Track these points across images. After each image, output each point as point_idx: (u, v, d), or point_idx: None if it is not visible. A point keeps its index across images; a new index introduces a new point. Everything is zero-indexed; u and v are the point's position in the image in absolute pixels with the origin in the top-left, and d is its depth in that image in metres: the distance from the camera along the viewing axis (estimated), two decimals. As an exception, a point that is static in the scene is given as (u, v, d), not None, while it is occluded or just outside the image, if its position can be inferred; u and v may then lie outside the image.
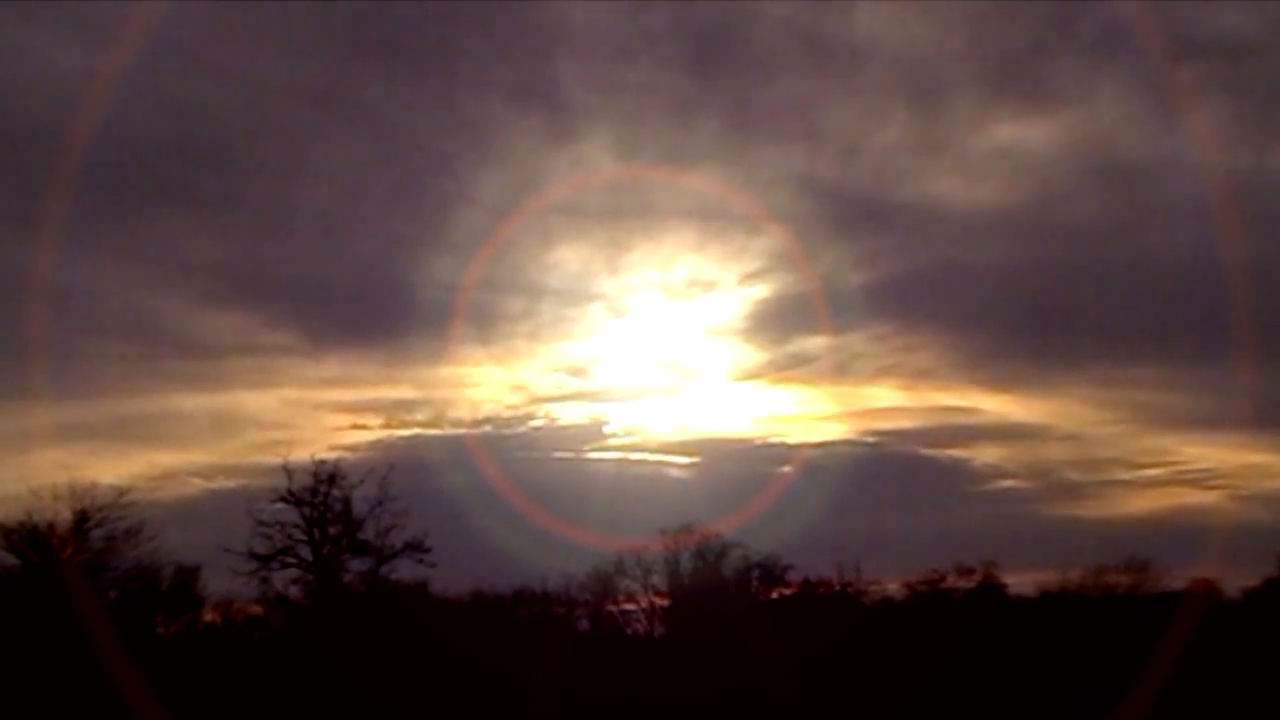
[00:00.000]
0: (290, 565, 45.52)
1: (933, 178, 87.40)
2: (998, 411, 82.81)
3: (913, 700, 44.03)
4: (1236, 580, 53.87)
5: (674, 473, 75.57)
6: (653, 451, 78.62)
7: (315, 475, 45.87)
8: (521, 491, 56.47)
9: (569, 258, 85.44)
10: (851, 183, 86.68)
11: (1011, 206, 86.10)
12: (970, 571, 53.80)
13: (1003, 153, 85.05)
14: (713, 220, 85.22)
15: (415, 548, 45.97)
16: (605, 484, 72.17)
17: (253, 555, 44.52)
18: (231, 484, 63.63)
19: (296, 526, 45.70)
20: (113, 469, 63.69)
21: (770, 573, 55.21)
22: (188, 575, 47.68)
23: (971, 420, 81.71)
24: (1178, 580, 51.05)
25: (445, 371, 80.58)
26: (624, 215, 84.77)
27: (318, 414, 77.57)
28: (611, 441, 79.88)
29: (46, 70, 69.84)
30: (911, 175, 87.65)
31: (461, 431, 76.02)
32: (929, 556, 54.87)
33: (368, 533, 45.87)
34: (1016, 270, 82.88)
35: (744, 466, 75.36)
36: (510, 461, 70.16)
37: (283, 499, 45.60)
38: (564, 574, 53.12)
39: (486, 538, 52.46)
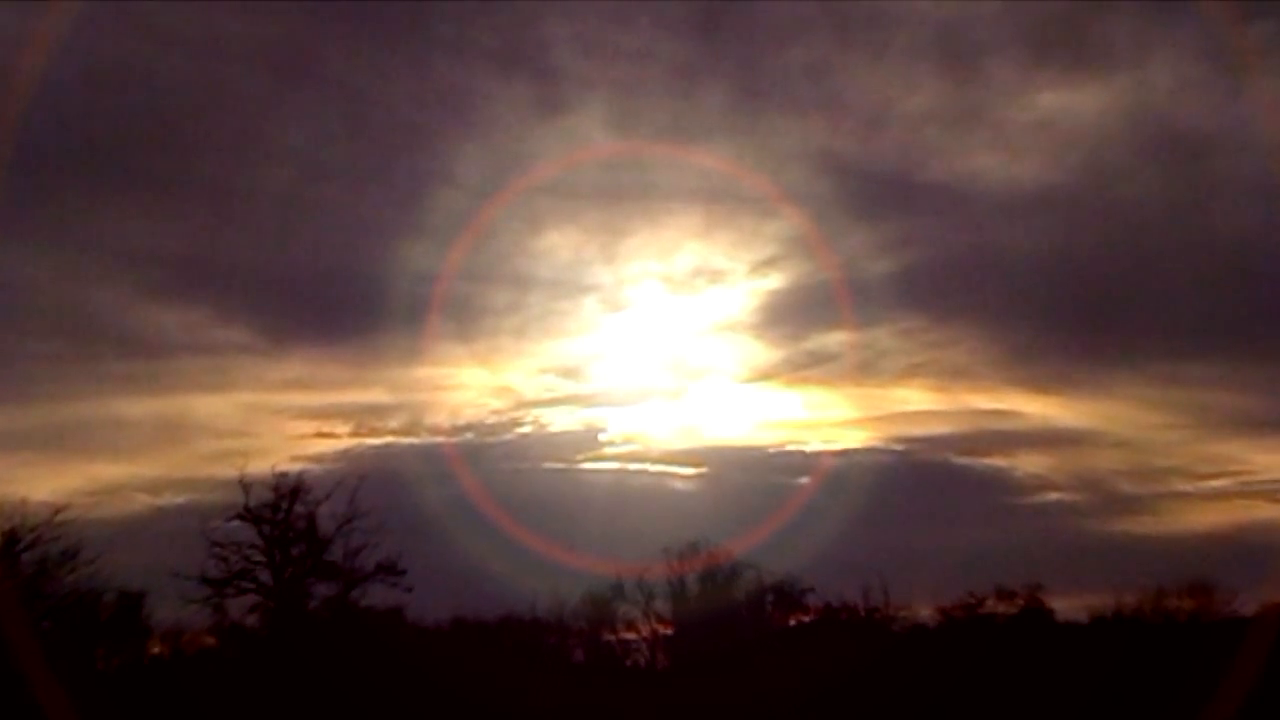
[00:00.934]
0: (248, 590, 45.51)
1: (967, 153, 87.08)
2: (1041, 415, 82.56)
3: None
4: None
5: (678, 485, 75.56)
6: (654, 462, 78.52)
7: (275, 489, 45.94)
8: (508, 507, 56.32)
9: (559, 245, 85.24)
10: (876, 159, 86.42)
11: (1057, 184, 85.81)
12: (1012, 595, 53.80)
13: (1046, 124, 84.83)
14: (721, 202, 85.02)
15: (388, 570, 46.00)
16: (601, 498, 72.09)
17: (205, 580, 44.54)
18: (180, 500, 63.55)
19: (254, 547, 45.75)
20: (46, 483, 63.01)
21: (787, 597, 55.25)
22: (132, 602, 47.53)
23: (1012, 425, 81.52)
24: (1247, 605, 50.97)
25: (421, 372, 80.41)
26: (621, 197, 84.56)
27: (278, 420, 77.38)
28: (608, 451, 79.78)
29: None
30: (943, 150, 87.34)
31: (440, 440, 75.92)
32: (965, 578, 54.80)
33: (335, 554, 46.01)
34: (1062, 256, 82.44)
35: (756, 478, 75.31)
36: (495, 473, 70.14)
37: (239, 516, 45.62)
38: (556, 599, 53.29)
39: (468, 559, 52.37)
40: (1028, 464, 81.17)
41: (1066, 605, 55.01)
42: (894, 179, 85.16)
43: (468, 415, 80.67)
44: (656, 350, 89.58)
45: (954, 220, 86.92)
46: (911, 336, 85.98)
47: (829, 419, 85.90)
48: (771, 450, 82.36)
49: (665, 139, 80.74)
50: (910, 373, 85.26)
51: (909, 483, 73.81)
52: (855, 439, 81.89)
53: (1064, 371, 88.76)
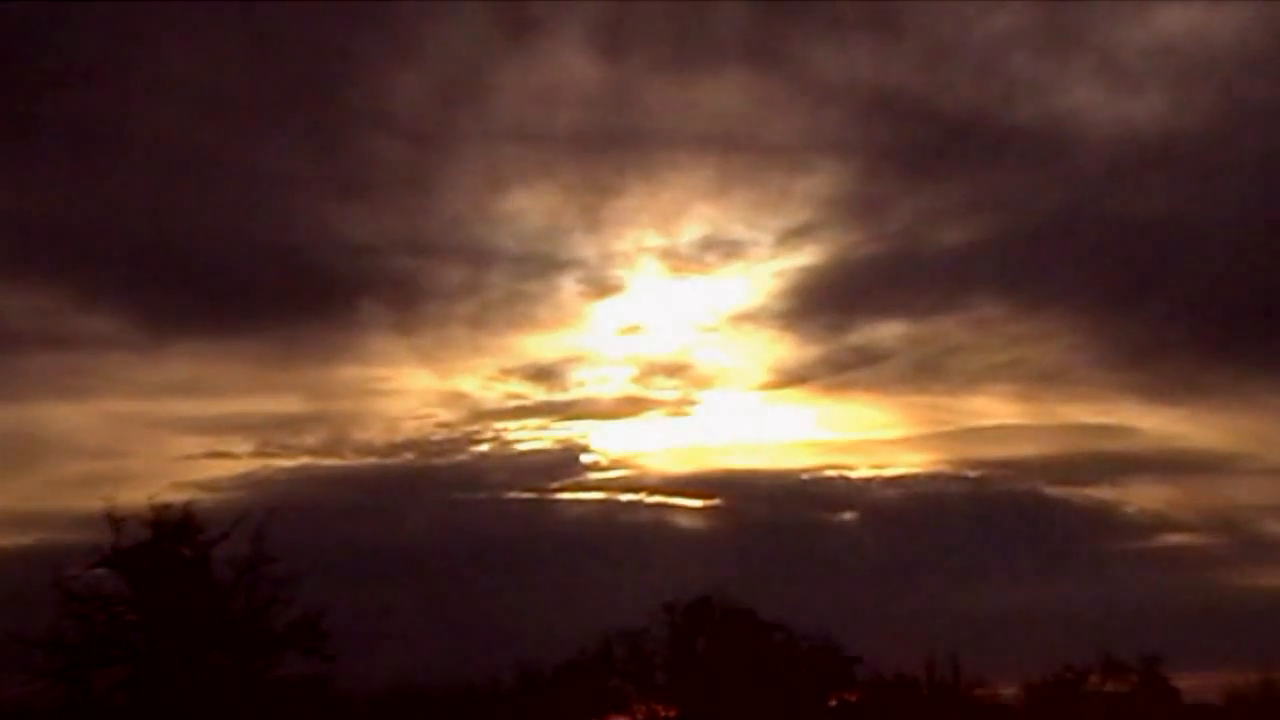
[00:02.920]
0: (117, 660, 45.27)
1: (1065, 88, 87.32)
2: (1161, 433, 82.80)
3: None
4: None
5: (683, 522, 75.51)
6: (652, 492, 78.46)
7: (155, 526, 45.60)
8: (461, 548, 56.34)
9: (529, 208, 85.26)
10: (944, 95, 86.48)
11: (1181, 128, 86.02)
12: (1123, 668, 53.86)
13: (1168, 49, 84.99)
14: (739, 153, 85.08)
15: (306, 631, 45.80)
16: (582, 537, 72.04)
17: (59, 645, 44.27)
18: (27, 540, 63.42)
19: (127, 602, 45.51)
20: None
21: (827, 668, 55.26)
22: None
23: (1122, 445, 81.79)
24: None
25: (347, 374, 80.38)
26: (609, 145, 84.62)
27: (158, 436, 77.34)
28: (592, 477, 79.64)
29: None
30: (1034, 85, 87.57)
31: (372, 461, 75.81)
32: (1061, 646, 54.93)
33: (235, 610, 45.74)
34: (1189, 223, 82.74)
35: (784, 513, 75.43)
36: (444, 505, 70.13)
37: (106, 561, 45.31)
38: (523, 668, 53.39)
39: (410, 615, 52.26)
40: (1143, 497, 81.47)
41: (1195, 682, 55.37)
42: (968, 122, 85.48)
43: (408, 430, 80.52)
44: (655, 347, 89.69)
45: (1047, 176, 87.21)
46: (989, 329, 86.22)
47: (880, 437, 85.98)
48: (804, 477, 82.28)
49: (666, 69, 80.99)
50: (988, 376, 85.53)
51: (986, 520, 73.95)
52: (915, 463, 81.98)
53: (1191, 376, 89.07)
